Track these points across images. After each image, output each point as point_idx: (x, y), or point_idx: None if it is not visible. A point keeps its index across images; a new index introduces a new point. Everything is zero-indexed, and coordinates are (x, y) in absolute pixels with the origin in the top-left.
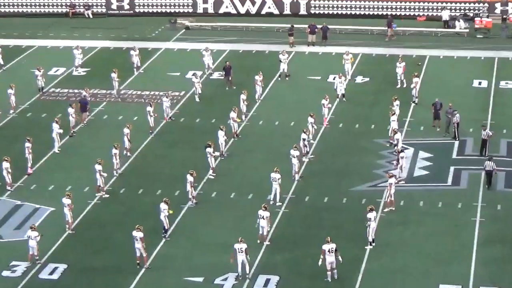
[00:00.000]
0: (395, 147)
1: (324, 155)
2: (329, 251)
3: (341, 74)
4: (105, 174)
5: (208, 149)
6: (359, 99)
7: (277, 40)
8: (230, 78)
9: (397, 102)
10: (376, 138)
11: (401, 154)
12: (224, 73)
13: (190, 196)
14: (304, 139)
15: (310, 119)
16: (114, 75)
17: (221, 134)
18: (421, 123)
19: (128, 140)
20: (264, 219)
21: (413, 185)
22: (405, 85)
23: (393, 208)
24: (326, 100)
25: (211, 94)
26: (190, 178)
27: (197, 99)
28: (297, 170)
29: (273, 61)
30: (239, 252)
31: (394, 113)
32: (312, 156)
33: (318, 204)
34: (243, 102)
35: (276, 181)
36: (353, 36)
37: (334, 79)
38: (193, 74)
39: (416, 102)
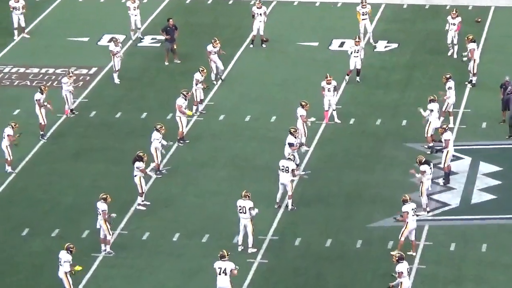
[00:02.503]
0: (437, 152)
1: (325, 171)
2: None
3: (357, 38)
4: None
5: (137, 164)
6: (382, 78)
7: None
8: (174, 46)
9: (451, 83)
10: (409, 141)
11: (423, 168)
12: (164, 37)
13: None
14: (291, 145)
15: (301, 111)
16: None
17: (157, 138)
18: (482, 116)
19: (8, 150)
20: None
21: (469, 219)
22: (455, 55)
23: (414, 253)
24: (329, 82)
25: (140, 72)
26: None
27: (117, 80)
28: (291, 194)
29: (242, 18)
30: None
31: (447, 101)
32: (306, 173)
33: (316, 251)
34: (198, 85)
35: (245, 213)
36: None
37: (350, 48)
38: (112, 40)
39: (473, 82)
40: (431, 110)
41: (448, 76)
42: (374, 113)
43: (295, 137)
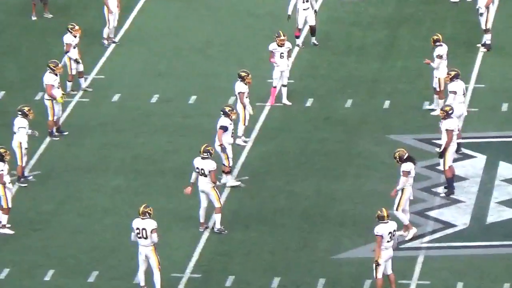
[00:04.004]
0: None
1: (271, 177)
2: None
3: None
4: None
5: None
6: (354, 39)
7: None
8: None
9: (441, 50)
10: (394, 131)
11: (405, 167)
12: None
13: None
14: (224, 129)
15: (240, 87)
16: None
17: (22, 127)
18: (501, 94)
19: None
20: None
21: (484, 245)
22: None
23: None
24: (281, 43)
25: None
26: None
27: None
28: (218, 206)
29: None
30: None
31: (434, 73)
32: (240, 180)
33: None
34: (70, 51)
35: (146, 239)
36: None
37: None
38: None
39: (487, 43)
40: (454, 92)
41: (435, 38)
42: (342, 91)
43: (231, 120)
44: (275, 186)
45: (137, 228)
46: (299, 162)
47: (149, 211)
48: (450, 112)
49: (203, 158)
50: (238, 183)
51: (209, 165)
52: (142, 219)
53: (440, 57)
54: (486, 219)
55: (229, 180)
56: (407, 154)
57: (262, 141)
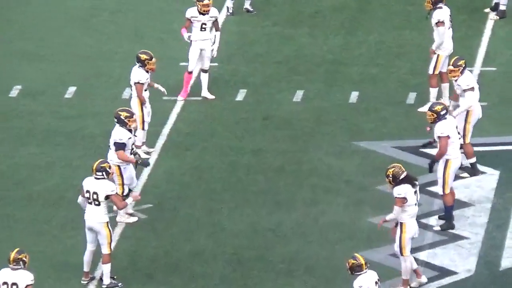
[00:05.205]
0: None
1: (185, 204)
2: None
3: None
4: None
5: None
6: (301, 2)
7: None
8: None
9: (442, 13)
10: (367, 137)
11: (399, 190)
12: None
13: None
14: (121, 147)
15: (139, 74)
16: None
17: None
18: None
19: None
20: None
21: None
22: None
23: None
24: (205, 10)
25: None
26: None
27: None
28: (106, 253)
29: None
30: None
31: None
32: (140, 211)
33: None
34: None
35: None
36: None
37: None
38: None
39: (500, 9)
40: (471, 89)
41: None
42: (288, 78)
43: (130, 130)
44: (192, 217)
45: (4, 283)
46: (226, 183)
47: (23, 258)
48: (442, 112)
49: (97, 178)
50: (135, 219)
51: (105, 187)
52: (13, 269)
53: (441, 23)
54: (500, 264)
55: (122, 214)
56: (405, 173)
57: (172, 153)
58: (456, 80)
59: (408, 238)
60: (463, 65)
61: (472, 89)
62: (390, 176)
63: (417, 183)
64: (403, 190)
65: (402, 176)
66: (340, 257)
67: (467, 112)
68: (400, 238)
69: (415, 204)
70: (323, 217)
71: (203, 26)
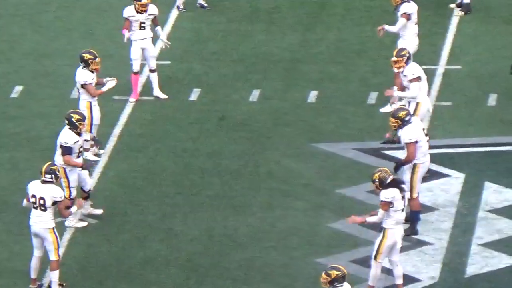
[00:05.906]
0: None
1: (136, 210)
2: None
3: None
4: None
5: None
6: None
7: None
8: None
9: (409, 7)
10: (326, 138)
11: (384, 195)
12: None
13: None
14: (68, 151)
15: (83, 75)
16: None
17: None
18: (486, 80)
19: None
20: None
21: None
22: None
23: None
24: (141, 10)
25: None
26: None
27: None
28: (55, 259)
29: None
30: None
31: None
32: (91, 216)
33: None
34: None
35: None
36: None
37: None
38: None
39: (466, 5)
40: (418, 79)
41: None
42: (244, 76)
43: (79, 134)
44: (144, 222)
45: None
46: (179, 187)
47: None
48: (406, 118)
49: (44, 182)
50: (85, 223)
51: (53, 193)
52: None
53: (405, 15)
54: (465, 271)
55: (71, 218)
56: (391, 177)
57: (123, 155)
58: (402, 72)
59: (387, 246)
60: (407, 55)
61: (418, 79)
62: (377, 180)
63: (405, 187)
64: (391, 194)
65: (388, 180)
66: (298, 264)
67: (416, 105)
68: (380, 243)
69: (402, 210)
70: (280, 222)
71: (142, 25)
